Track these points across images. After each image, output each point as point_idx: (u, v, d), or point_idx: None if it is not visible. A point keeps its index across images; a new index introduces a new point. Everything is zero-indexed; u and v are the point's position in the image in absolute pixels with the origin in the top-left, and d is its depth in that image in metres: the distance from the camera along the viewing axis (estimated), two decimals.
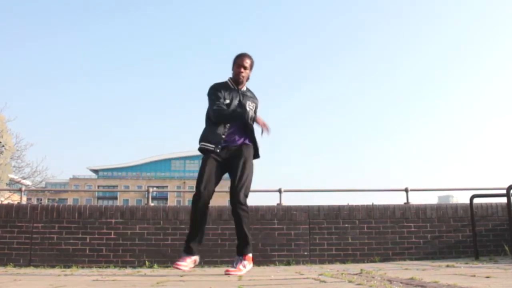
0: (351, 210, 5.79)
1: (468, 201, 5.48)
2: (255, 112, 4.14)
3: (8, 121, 19.98)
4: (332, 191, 7.80)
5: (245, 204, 3.91)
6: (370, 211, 5.79)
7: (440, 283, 2.66)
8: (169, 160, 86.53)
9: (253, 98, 4.19)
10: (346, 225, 5.72)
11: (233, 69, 4.11)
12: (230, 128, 4.01)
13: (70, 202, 54.80)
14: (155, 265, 5.35)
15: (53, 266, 5.28)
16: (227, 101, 4.01)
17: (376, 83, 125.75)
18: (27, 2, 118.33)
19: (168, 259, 5.46)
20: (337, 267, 4.82)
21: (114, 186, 73.47)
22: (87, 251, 5.47)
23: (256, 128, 4.12)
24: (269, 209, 5.76)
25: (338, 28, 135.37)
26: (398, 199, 6.54)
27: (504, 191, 5.06)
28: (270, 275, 3.83)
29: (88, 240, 5.51)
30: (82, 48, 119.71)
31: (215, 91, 4.06)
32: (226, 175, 4.12)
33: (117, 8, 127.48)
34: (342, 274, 3.62)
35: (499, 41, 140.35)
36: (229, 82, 4.13)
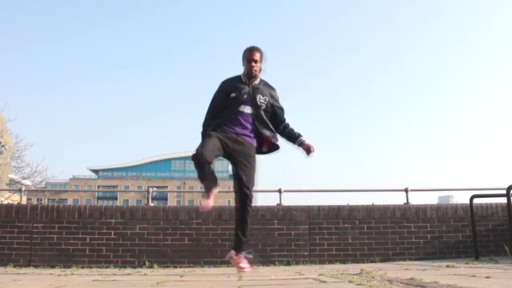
0: (351, 210, 5.80)
1: (468, 201, 5.48)
2: (271, 103, 4.05)
3: (8, 121, 19.99)
4: (332, 191, 7.80)
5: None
6: (370, 211, 5.79)
7: (440, 283, 2.66)
8: (169, 160, 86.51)
9: (267, 90, 4.07)
10: (346, 225, 5.72)
11: (244, 64, 4.03)
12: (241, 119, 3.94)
13: (70, 202, 54.79)
14: (155, 265, 5.35)
15: (53, 266, 5.28)
16: (233, 95, 3.94)
17: (376, 83, 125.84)
18: (27, 2, 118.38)
19: (168, 259, 5.46)
20: (337, 267, 4.82)
21: (114, 186, 73.45)
22: (87, 251, 5.47)
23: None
24: (269, 209, 5.76)
25: (338, 28, 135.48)
26: (398, 199, 6.53)
27: (504, 191, 5.06)
28: (270, 275, 3.83)
29: (88, 240, 5.51)
30: (82, 48, 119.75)
31: (223, 87, 4.03)
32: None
33: (117, 8, 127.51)
34: (342, 274, 3.62)
35: (499, 42, 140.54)
36: (242, 77, 4.06)
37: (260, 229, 5.65)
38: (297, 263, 5.53)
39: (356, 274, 3.54)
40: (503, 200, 5.42)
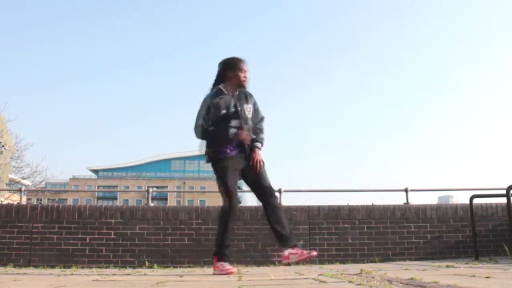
0: (351, 210, 5.80)
1: (468, 201, 5.48)
2: (255, 110, 4.13)
3: (8, 121, 20.00)
4: (332, 191, 7.82)
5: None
6: (370, 211, 5.79)
7: (440, 284, 2.66)
8: (169, 160, 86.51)
9: (248, 98, 4.10)
10: (346, 225, 5.72)
11: (233, 75, 4.02)
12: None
13: (70, 202, 54.75)
14: (155, 265, 5.35)
15: (53, 266, 5.28)
16: (224, 111, 3.96)
17: (376, 83, 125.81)
18: (27, 2, 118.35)
19: (168, 259, 5.46)
20: (337, 267, 4.82)
21: (114, 186, 73.43)
22: (87, 251, 5.47)
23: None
24: None
25: (338, 28, 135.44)
26: (398, 199, 6.54)
27: (504, 191, 5.06)
28: (270, 275, 3.83)
29: (88, 240, 5.51)
30: (82, 48, 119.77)
31: (210, 103, 4.01)
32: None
33: (117, 8, 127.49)
34: (342, 274, 3.62)
35: (499, 42, 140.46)
36: (222, 89, 4.05)
37: (260, 229, 5.64)
38: (297, 263, 5.52)
39: (356, 274, 3.54)
40: (503, 200, 5.42)
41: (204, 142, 4.09)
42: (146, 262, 5.42)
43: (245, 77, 4.04)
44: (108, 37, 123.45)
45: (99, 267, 5.24)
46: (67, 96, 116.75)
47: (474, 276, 3.14)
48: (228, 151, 4.01)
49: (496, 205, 5.86)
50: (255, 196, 4.07)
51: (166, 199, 65.83)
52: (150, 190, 6.78)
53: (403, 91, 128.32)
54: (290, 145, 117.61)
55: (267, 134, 4.23)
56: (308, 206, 5.77)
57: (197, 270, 4.65)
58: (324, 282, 3.03)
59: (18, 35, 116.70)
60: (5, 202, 19.25)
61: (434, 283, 2.70)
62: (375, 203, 5.96)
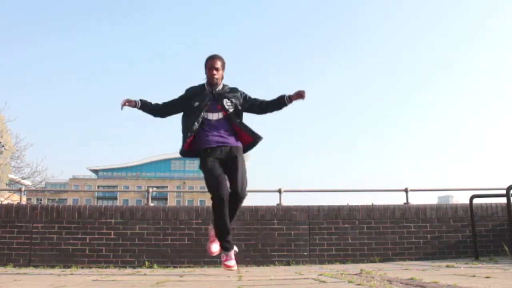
0: (351, 210, 5.79)
1: (468, 201, 5.48)
2: (241, 104, 4.14)
3: (8, 121, 19.98)
4: (332, 191, 7.79)
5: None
6: (370, 211, 5.79)
7: (440, 284, 2.66)
8: (169, 160, 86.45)
9: (233, 93, 4.16)
10: (346, 225, 5.72)
11: (205, 72, 4.13)
12: (207, 129, 4.03)
13: (70, 202, 54.74)
14: (155, 265, 5.35)
15: (53, 266, 5.28)
16: (196, 103, 4.05)
17: (376, 83, 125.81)
18: (27, 2, 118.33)
19: (168, 259, 5.46)
20: (337, 267, 4.82)
21: (114, 186, 73.39)
22: (87, 251, 5.47)
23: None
24: (269, 209, 5.75)
25: (338, 28, 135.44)
26: (398, 199, 6.53)
27: (504, 191, 5.06)
28: (270, 275, 3.83)
29: (88, 240, 5.51)
30: (82, 48, 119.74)
31: (185, 94, 4.16)
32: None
33: (117, 8, 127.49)
34: (342, 274, 3.62)
35: (499, 42, 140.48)
36: (205, 85, 4.16)
37: (260, 229, 5.65)
38: (297, 263, 5.53)
39: (356, 274, 3.54)
40: (503, 200, 5.42)
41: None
42: (146, 262, 5.42)
43: (212, 74, 4.06)
44: (108, 37, 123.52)
45: (99, 267, 5.24)
46: (67, 96, 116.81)
47: (474, 276, 3.14)
48: (205, 142, 4.05)
49: (496, 205, 5.86)
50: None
51: (166, 199, 65.80)
52: (150, 190, 6.76)
53: (403, 91, 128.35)
54: (290, 145, 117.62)
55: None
56: (308, 206, 5.77)
57: (197, 270, 4.65)
58: (324, 282, 3.03)
59: (18, 35, 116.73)
60: (5, 202, 19.24)
61: (434, 283, 2.71)
62: (375, 203, 5.96)
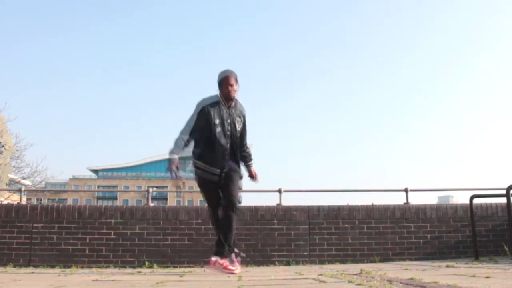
0: (351, 210, 5.79)
1: (468, 201, 5.48)
2: (244, 124, 4.29)
3: (8, 121, 19.97)
4: (332, 191, 7.79)
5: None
6: (370, 211, 5.79)
7: (440, 283, 2.66)
8: (169, 160, 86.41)
9: (241, 112, 4.29)
10: (346, 225, 5.72)
11: (220, 89, 4.19)
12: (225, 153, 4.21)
13: (70, 202, 54.73)
14: (155, 265, 5.35)
15: (53, 266, 5.28)
16: (217, 121, 4.13)
17: (376, 83, 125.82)
18: (27, 2, 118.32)
19: (168, 259, 5.46)
20: (337, 267, 4.82)
21: (114, 186, 73.41)
22: (87, 251, 5.47)
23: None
24: (269, 209, 5.76)
25: (338, 28, 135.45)
26: (398, 199, 6.52)
27: (504, 191, 5.06)
28: (270, 275, 3.83)
29: (88, 240, 5.51)
30: (82, 48, 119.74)
31: (199, 113, 4.17)
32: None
33: (117, 8, 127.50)
34: (342, 274, 3.62)
35: (499, 42, 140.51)
36: (220, 98, 4.21)
37: (260, 229, 5.65)
38: (297, 263, 5.53)
39: (356, 274, 3.54)
40: (503, 200, 5.42)
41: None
42: (146, 262, 5.42)
43: (230, 91, 4.17)
44: (108, 37, 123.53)
45: (99, 267, 5.24)
46: (67, 96, 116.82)
47: (474, 276, 3.14)
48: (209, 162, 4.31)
49: (496, 205, 5.86)
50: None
51: (166, 199, 65.79)
52: (150, 190, 6.76)
53: (403, 91, 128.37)
54: (290, 145, 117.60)
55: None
56: (308, 206, 5.77)
57: (197, 270, 4.65)
58: (324, 282, 3.03)
59: (18, 35, 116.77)
60: (5, 202, 19.24)
61: (434, 283, 2.71)
62: (375, 203, 5.96)
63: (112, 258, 5.46)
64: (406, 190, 6.39)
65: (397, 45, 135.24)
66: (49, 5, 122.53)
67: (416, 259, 5.55)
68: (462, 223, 5.79)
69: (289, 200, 6.30)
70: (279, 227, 5.67)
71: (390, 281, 2.92)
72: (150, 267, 5.29)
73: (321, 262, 5.54)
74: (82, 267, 5.23)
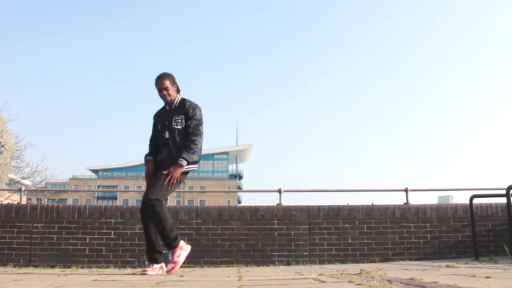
0: (351, 210, 5.79)
1: (468, 201, 5.48)
2: (185, 120, 4.24)
3: (8, 121, 19.95)
4: (332, 191, 7.82)
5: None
6: (370, 211, 5.79)
7: (440, 283, 2.66)
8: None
9: (183, 109, 4.27)
10: (346, 225, 5.72)
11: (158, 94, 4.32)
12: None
13: (70, 202, 54.69)
14: None
15: (53, 266, 5.28)
16: (159, 127, 4.32)
17: (376, 83, 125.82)
18: (27, 2, 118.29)
19: (167, 259, 5.45)
20: (337, 267, 4.82)
21: (114, 186, 73.40)
22: (87, 251, 5.47)
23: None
24: (269, 209, 5.76)
25: (338, 27, 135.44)
26: (398, 199, 6.53)
27: (504, 191, 5.06)
28: (270, 275, 3.83)
29: (88, 240, 5.51)
30: (82, 48, 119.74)
31: (153, 122, 4.47)
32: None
33: (117, 7, 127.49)
34: (342, 274, 3.62)
35: (499, 42, 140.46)
36: (166, 105, 4.40)
37: (260, 229, 5.65)
38: (297, 263, 5.53)
39: (356, 274, 3.54)
40: (503, 200, 5.42)
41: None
42: (146, 262, 5.40)
43: (163, 95, 4.27)
44: (108, 37, 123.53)
45: (99, 267, 5.24)
46: (67, 96, 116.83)
47: (474, 276, 3.14)
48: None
49: (496, 205, 5.86)
50: None
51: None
52: None
53: (403, 91, 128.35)
54: (290, 145, 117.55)
55: (198, 150, 4.27)
56: (308, 206, 5.77)
57: (197, 270, 4.65)
58: (324, 282, 3.03)
59: (17, 34, 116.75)
60: (5, 202, 19.24)
61: (434, 283, 2.70)
62: (375, 203, 5.96)
63: (112, 258, 5.46)
64: (406, 190, 6.39)
65: (397, 45, 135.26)
66: (49, 5, 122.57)
67: (416, 259, 5.55)
68: (462, 223, 5.79)
69: (289, 200, 6.31)
70: (279, 227, 5.67)
71: (390, 281, 2.92)
72: None
73: (321, 262, 5.54)
74: (82, 267, 5.23)
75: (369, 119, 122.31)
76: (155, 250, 4.17)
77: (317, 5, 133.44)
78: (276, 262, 5.51)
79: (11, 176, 21.58)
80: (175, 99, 4.32)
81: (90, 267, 5.23)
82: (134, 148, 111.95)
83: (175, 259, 4.07)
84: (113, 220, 5.58)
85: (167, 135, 4.23)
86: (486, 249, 5.60)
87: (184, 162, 4.12)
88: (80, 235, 5.51)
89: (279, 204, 6.11)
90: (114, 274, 4.13)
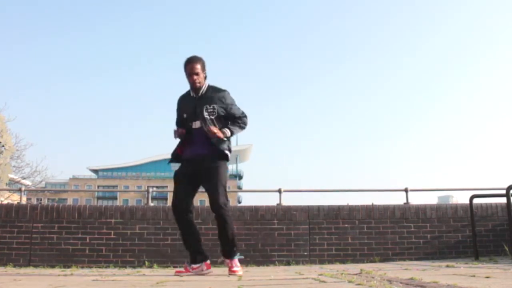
0: (351, 210, 5.80)
1: (468, 201, 5.48)
2: (223, 107, 3.97)
3: (8, 121, 19.98)
4: (332, 191, 7.81)
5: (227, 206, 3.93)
6: (370, 211, 5.79)
7: (440, 283, 2.66)
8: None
9: (216, 95, 3.98)
10: (346, 225, 5.72)
11: (186, 78, 3.99)
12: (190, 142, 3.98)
13: (70, 202, 54.68)
14: (155, 265, 5.35)
15: (53, 266, 5.28)
16: (185, 115, 4.00)
17: (376, 83, 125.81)
18: (27, 2, 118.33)
19: (168, 259, 5.46)
20: (337, 267, 4.82)
21: (114, 186, 73.37)
22: (87, 251, 5.47)
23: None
24: (269, 209, 5.76)
25: (338, 27, 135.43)
26: (398, 199, 6.54)
27: (504, 191, 5.06)
28: (270, 275, 3.83)
29: (88, 240, 5.51)
30: (82, 48, 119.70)
31: (177, 107, 4.17)
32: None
33: (117, 7, 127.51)
34: (342, 274, 3.62)
35: (499, 42, 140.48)
36: (190, 91, 4.07)
37: (260, 229, 5.65)
38: (297, 263, 5.53)
39: (356, 274, 3.54)
40: (503, 200, 5.42)
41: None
42: (146, 262, 5.42)
43: (193, 80, 3.94)
44: (108, 37, 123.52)
45: (99, 267, 5.24)
46: (67, 96, 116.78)
47: (474, 276, 3.14)
48: (186, 153, 4.02)
49: (496, 205, 5.86)
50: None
51: (166, 199, 65.67)
52: (150, 190, 6.76)
53: (403, 91, 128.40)
54: (290, 145, 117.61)
55: (246, 129, 4.12)
56: (308, 206, 5.77)
57: None
58: (324, 282, 3.03)
59: (17, 34, 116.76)
60: (5, 202, 19.24)
61: (434, 283, 2.70)
62: (375, 203, 5.96)
63: (112, 258, 5.46)
64: (406, 190, 6.40)
65: (397, 45, 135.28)
66: (49, 5, 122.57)
67: (416, 259, 5.55)
68: (462, 223, 5.79)
69: (289, 200, 6.32)
70: (279, 227, 5.67)
71: (390, 281, 2.92)
72: (150, 267, 5.29)
73: (321, 262, 5.54)
74: (82, 267, 5.23)
75: (369, 119, 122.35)
76: (202, 249, 4.06)
77: (317, 5, 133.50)
78: (276, 262, 5.51)
79: (11, 176, 21.60)
80: (203, 85, 3.99)
81: (90, 267, 5.23)
82: (134, 148, 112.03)
83: (235, 268, 3.87)
84: (113, 220, 5.59)
85: (196, 125, 3.92)
86: (486, 249, 5.60)
87: (228, 133, 3.91)
88: (80, 235, 5.52)
89: (279, 204, 6.11)
90: (114, 274, 4.13)
